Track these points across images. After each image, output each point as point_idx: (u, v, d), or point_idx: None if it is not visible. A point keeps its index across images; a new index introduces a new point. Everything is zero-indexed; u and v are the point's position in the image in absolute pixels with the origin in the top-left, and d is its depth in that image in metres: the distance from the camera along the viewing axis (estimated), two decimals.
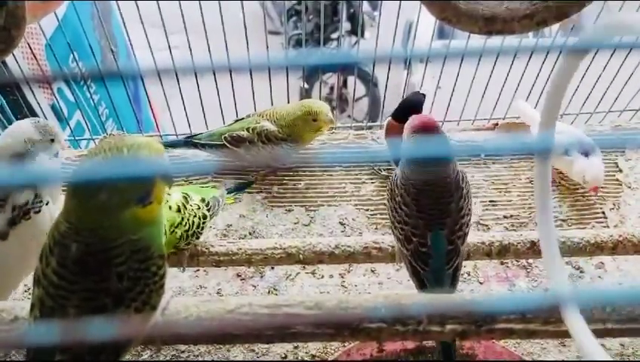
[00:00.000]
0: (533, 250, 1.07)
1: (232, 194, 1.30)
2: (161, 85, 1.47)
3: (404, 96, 1.51)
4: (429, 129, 0.89)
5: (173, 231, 0.98)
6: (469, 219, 0.94)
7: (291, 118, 1.40)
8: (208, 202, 1.08)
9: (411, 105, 1.35)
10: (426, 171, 0.90)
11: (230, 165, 1.53)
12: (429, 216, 0.91)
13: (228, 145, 1.43)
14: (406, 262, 0.97)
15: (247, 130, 1.42)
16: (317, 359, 1.16)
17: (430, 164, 0.90)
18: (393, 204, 0.95)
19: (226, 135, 1.44)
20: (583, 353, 0.52)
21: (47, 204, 0.97)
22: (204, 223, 1.05)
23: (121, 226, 0.61)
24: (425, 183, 0.90)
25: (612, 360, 0.94)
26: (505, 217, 1.42)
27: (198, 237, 1.05)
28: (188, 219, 1.01)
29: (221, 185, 1.25)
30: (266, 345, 1.17)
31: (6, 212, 0.94)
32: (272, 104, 1.56)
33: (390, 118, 1.41)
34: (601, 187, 1.45)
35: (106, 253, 0.61)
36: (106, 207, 0.59)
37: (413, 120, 0.92)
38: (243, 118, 1.49)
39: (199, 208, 1.05)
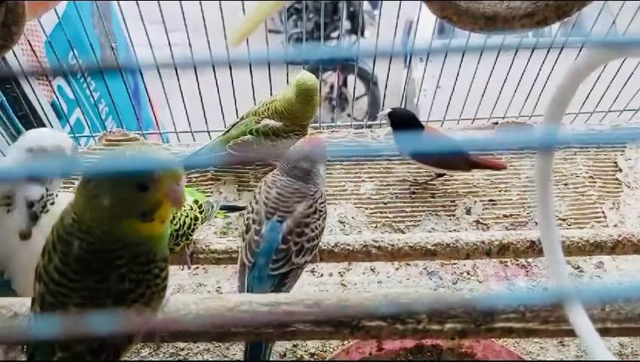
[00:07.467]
0: (533, 249, 1.07)
1: (224, 211, 1.28)
2: (161, 82, 1.47)
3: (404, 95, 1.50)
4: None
5: None
6: (316, 243, 0.98)
7: (292, 106, 1.36)
8: (201, 205, 1.07)
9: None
10: (295, 168, 0.99)
11: (232, 161, 1.51)
12: (273, 204, 0.96)
13: (236, 153, 1.42)
14: (239, 264, 0.98)
15: (251, 132, 1.40)
16: (316, 357, 1.16)
17: (300, 166, 0.99)
18: (253, 200, 1.01)
19: (231, 144, 1.42)
20: (588, 351, 0.52)
21: (57, 196, 0.97)
22: (194, 225, 1.03)
23: (121, 233, 0.60)
24: (289, 176, 0.99)
25: (615, 360, 0.94)
26: (504, 216, 1.42)
27: (187, 238, 1.03)
28: (179, 219, 0.99)
29: (216, 198, 1.23)
30: None
31: (21, 212, 0.93)
32: None
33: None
34: (601, 186, 1.45)
35: (108, 253, 0.61)
36: (107, 211, 0.59)
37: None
38: (237, 122, 1.45)
39: (192, 209, 1.04)
